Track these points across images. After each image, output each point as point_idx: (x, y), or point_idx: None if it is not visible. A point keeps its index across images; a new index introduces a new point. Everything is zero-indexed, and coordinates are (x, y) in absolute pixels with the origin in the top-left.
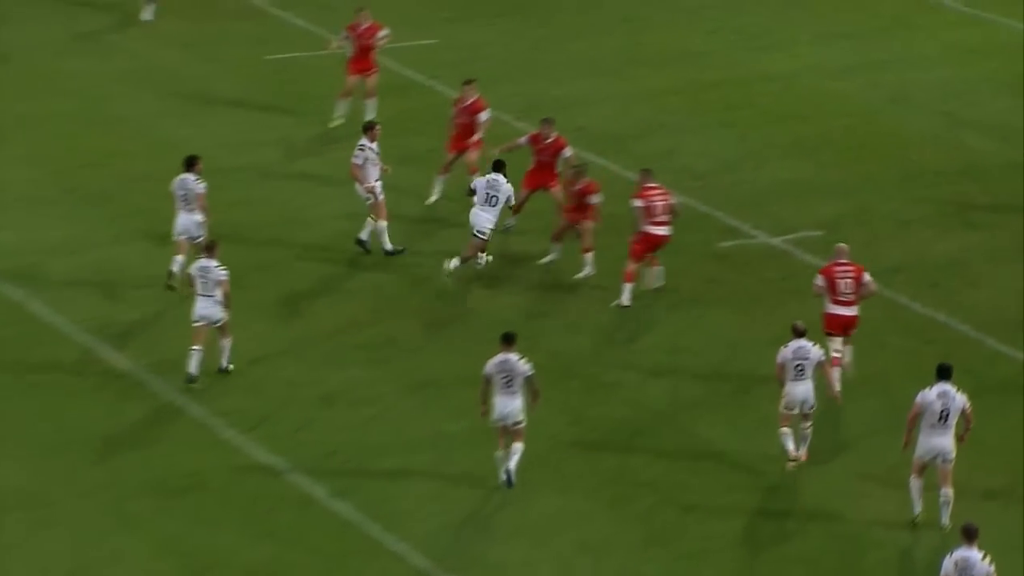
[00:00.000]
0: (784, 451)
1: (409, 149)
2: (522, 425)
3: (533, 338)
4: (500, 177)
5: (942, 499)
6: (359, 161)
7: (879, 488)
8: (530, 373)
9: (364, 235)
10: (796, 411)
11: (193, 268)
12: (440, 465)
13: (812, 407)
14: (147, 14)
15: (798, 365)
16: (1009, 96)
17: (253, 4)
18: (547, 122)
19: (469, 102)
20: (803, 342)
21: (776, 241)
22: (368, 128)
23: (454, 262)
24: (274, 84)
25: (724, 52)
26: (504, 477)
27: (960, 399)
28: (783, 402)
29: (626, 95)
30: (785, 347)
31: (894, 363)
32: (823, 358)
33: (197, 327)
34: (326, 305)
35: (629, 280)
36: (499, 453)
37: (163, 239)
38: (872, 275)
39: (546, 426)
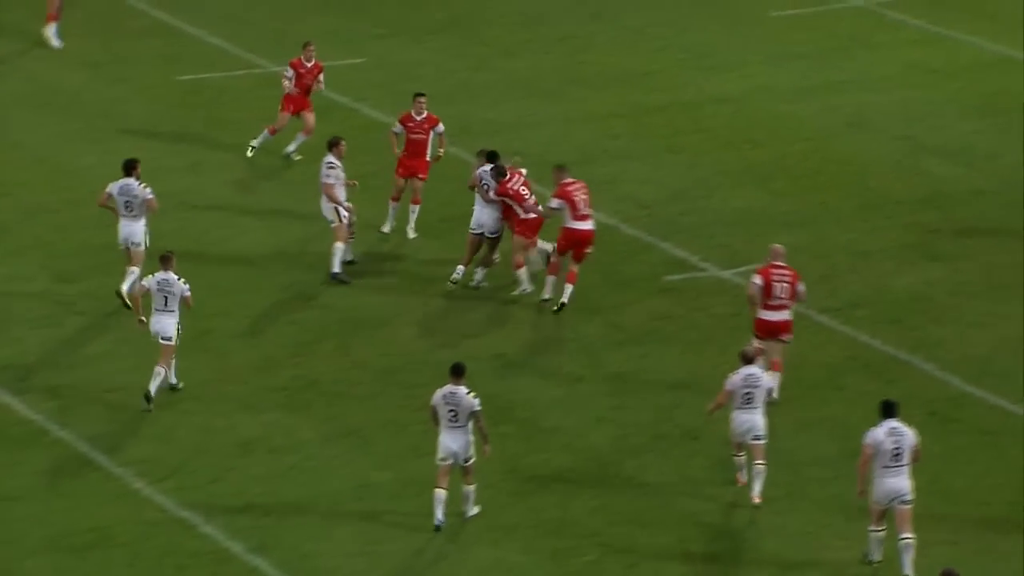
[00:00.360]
0: (738, 472)
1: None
2: (472, 463)
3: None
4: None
5: (902, 544)
6: (331, 180)
7: (838, 538)
8: (478, 409)
9: (349, 257)
10: (748, 439)
11: (150, 282)
12: (366, 518)
13: (758, 436)
14: (54, 40)
15: (747, 393)
16: (974, 119)
17: (164, 21)
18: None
19: (423, 117)
20: (753, 369)
21: (727, 274)
22: (333, 144)
23: (460, 271)
24: (186, 106)
25: (671, 73)
26: (439, 521)
27: (911, 434)
28: (732, 430)
29: (566, 118)
30: (735, 374)
31: (854, 405)
32: (772, 386)
33: (159, 344)
34: (242, 345)
35: (552, 272)
36: (439, 492)
37: (64, 275)
38: (830, 311)
39: (481, 474)
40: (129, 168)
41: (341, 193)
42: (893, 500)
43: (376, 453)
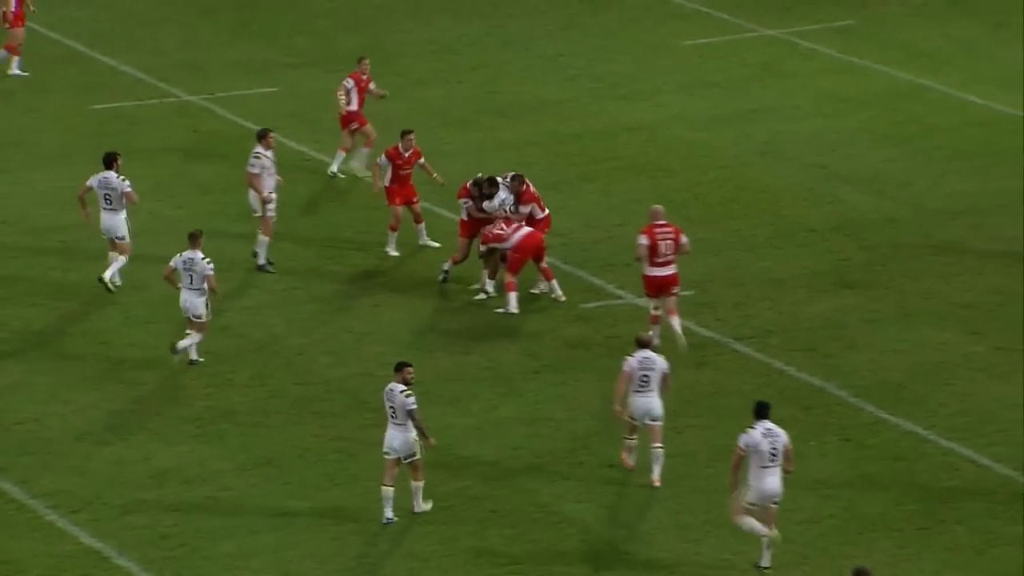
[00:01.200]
0: (623, 461)
1: (247, 205)
2: (416, 459)
3: (382, 410)
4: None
5: (766, 542)
6: (256, 170)
7: (750, 565)
8: (411, 408)
9: (262, 259)
10: (646, 422)
11: (177, 261)
12: (282, 548)
13: (656, 418)
14: (15, 68)
15: (643, 376)
16: (885, 147)
17: (78, 50)
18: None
19: (410, 153)
20: (649, 353)
21: (642, 301)
22: (263, 136)
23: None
24: (100, 135)
25: (584, 102)
26: (387, 519)
27: (783, 435)
28: (627, 411)
29: (480, 147)
30: (631, 357)
31: None
32: (667, 370)
33: (191, 321)
34: (155, 375)
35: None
36: (385, 489)
37: None
38: (744, 339)
39: (396, 503)
40: (109, 161)
41: (269, 184)
42: (768, 500)
43: (292, 483)
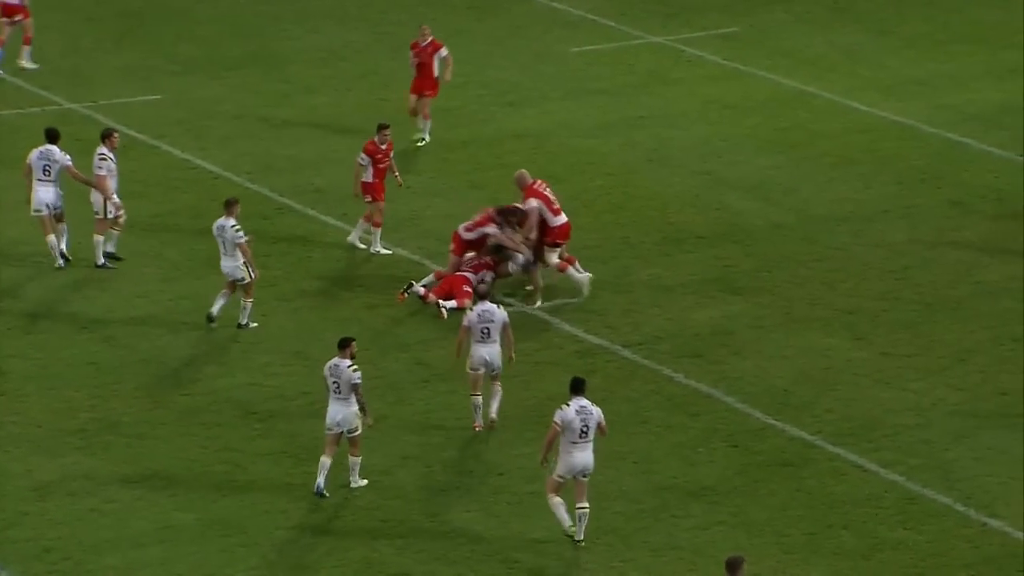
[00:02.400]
0: (473, 419)
1: (132, 214)
2: (357, 434)
3: (269, 420)
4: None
5: (580, 513)
6: (103, 172)
7: (643, 572)
8: (357, 382)
9: (110, 248)
10: (482, 371)
11: (214, 227)
12: (168, 561)
13: (496, 368)
14: (26, 60)
15: (484, 328)
16: (771, 154)
17: None
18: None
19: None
20: (488, 304)
21: (532, 309)
22: (107, 136)
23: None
24: None
25: (471, 109)
26: (318, 488)
27: (596, 412)
28: (469, 362)
29: None
30: (471, 310)
31: (658, 439)
32: (507, 320)
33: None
34: (38, 387)
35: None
36: (323, 459)
37: None
38: (633, 345)
39: (285, 514)
40: (53, 136)
41: (111, 185)
42: (578, 474)
43: (178, 494)
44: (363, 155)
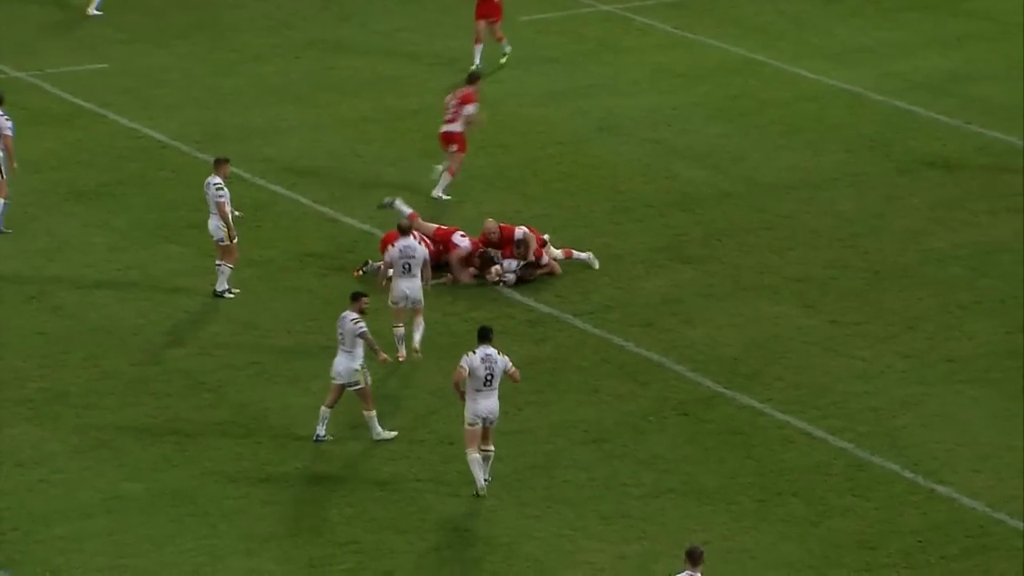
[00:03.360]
0: (397, 349)
1: (79, 183)
2: (360, 388)
3: (220, 389)
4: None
5: (484, 455)
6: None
7: (594, 540)
8: (361, 331)
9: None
10: (402, 304)
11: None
12: (117, 531)
13: (418, 301)
14: (93, 8)
15: (405, 263)
16: (720, 122)
17: None
18: None
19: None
20: (410, 240)
21: (480, 280)
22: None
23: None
24: None
25: (422, 78)
26: (318, 434)
27: (502, 360)
28: (391, 296)
29: (317, 124)
30: (392, 247)
31: (608, 408)
32: (427, 257)
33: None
34: None
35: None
36: (324, 409)
37: None
38: (583, 315)
39: (234, 484)
40: None
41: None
42: (484, 420)
43: (127, 464)
44: (468, 106)
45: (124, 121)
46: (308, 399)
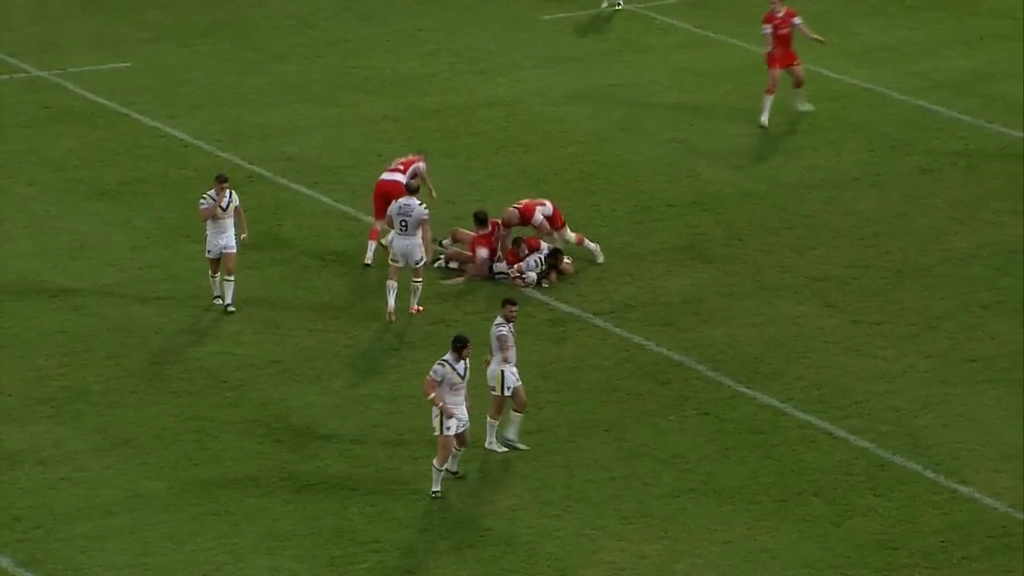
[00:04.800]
0: (385, 304)
1: (101, 182)
2: (495, 394)
3: (240, 389)
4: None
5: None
6: (427, 216)
7: (614, 539)
8: (500, 333)
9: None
10: (401, 263)
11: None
12: (138, 530)
13: (418, 261)
14: None
15: (402, 220)
16: (742, 122)
17: None
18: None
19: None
20: (410, 200)
21: (502, 277)
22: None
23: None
24: None
25: (443, 77)
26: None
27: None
28: (390, 253)
29: (339, 122)
30: (393, 203)
31: (629, 406)
32: (425, 216)
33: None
34: (8, 355)
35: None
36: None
37: None
38: (604, 314)
39: (255, 482)
40: None
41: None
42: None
43: (149, 463)
44: (765, 26)
45: (146, 120)
46: (329, 398)
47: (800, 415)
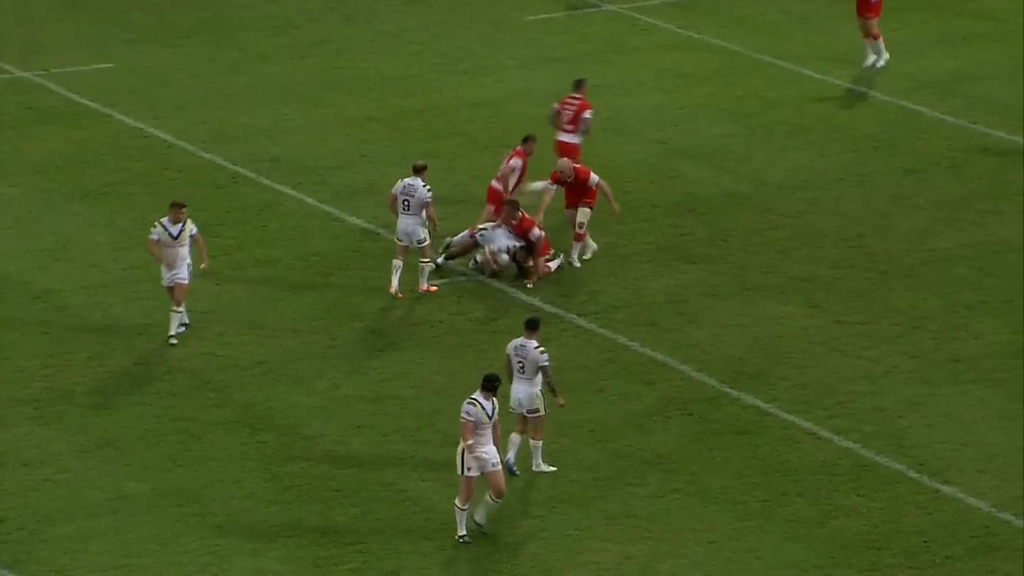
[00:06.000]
0: (388, 283)
1: (84, 183)
2: (539, 415)
3: (224, 390)
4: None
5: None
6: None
7: (599, 540)
8: (546, 364)
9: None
10: (405, 242)
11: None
12: (122, 531)
13: (421, 240)
14: None
15: (404, 200)
16: (726, 122)
17: None
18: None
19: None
20: (411, 179)
21: (487, 279)
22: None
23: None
24: None
25: (427, 77)
26: (510, 462)
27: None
28: (396, 234)
29: (323, 123)
30: (399, 182)
31: (614, 408)
32: (427, 199)
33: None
34: None
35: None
36: (513, 436)
37: None
38: (588, 314)
39: (239, 484)
40: None
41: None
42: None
43: (132, 464)
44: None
45: (129, 121)
46: (313, 399)
47: (784, 415)
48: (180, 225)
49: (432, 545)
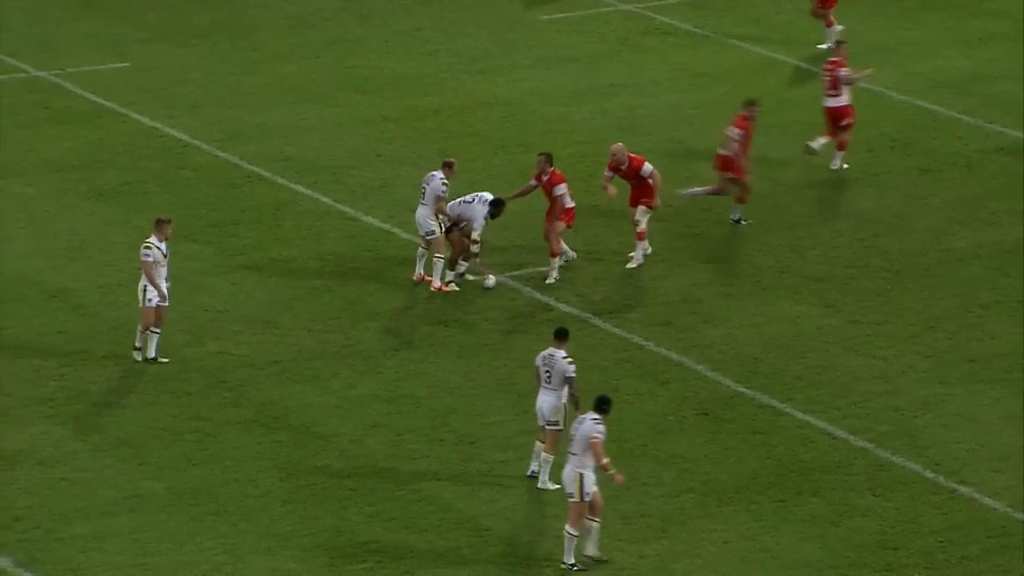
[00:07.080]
0: (415, 265)
1: (100, 182)
2: (558, 428)
3: (239, 388)
4: None
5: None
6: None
7: (616, 540)
8: (572, 376)
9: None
10: (422, 232)
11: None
12: (137, 530)
13: (429, 233)
14: None
15: (422, 190)
16: None
17: None
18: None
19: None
20: (434, 172)
21: (502, 278)
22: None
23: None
24: None
25: (442, 77)
26: (534, 471)
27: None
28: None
29: (337, 122)
30: (434, 173)
31: (628, 407)
32: (439, 192)
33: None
34: (6, 356)
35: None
36: (538, 444)
37: None
38: (604, 313)
39: (255, 483)
40: None
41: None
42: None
43: (148, 463)
44: (735, 130)
45: (145, 120)
46: (328, 398)
47: (799, 415)
48: (167, 241)
49: (446, 544)
